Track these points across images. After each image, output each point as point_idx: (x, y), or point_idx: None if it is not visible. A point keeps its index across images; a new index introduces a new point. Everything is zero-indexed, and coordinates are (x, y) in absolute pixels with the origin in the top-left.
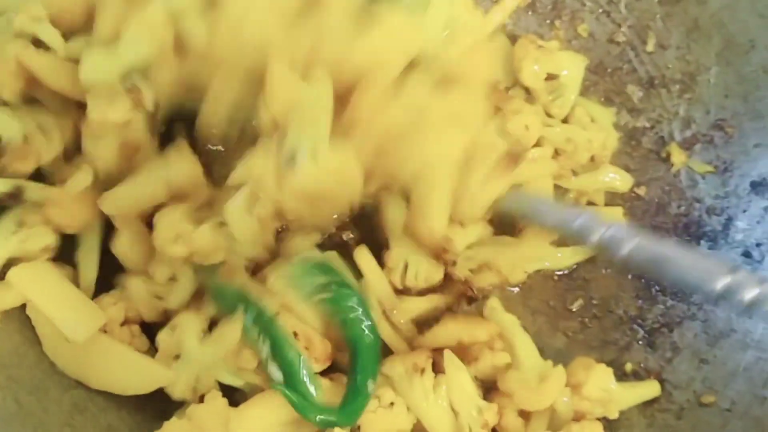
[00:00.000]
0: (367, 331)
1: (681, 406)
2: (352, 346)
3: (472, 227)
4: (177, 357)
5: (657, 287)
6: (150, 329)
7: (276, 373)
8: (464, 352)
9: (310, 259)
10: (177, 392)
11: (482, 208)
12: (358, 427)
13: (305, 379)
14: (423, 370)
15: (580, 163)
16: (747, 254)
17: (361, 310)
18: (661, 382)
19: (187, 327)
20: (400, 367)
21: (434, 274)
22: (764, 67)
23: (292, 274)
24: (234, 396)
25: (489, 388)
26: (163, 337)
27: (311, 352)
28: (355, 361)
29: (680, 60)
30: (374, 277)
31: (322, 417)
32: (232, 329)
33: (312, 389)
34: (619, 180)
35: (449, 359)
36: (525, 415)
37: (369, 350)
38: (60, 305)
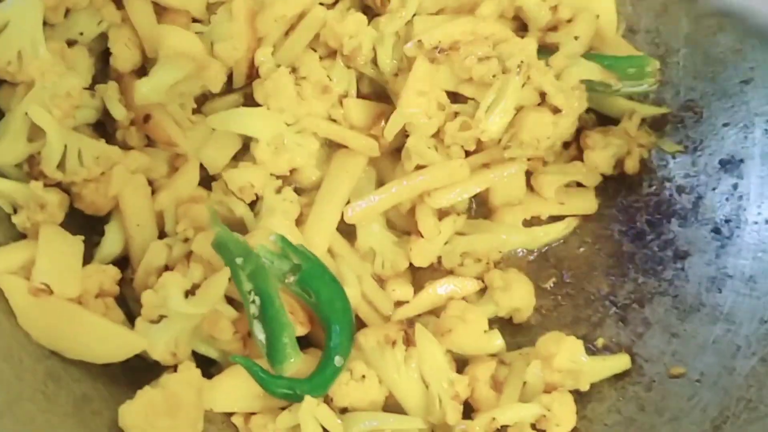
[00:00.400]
0: (339, 308)
1: (651, 378)
2: (326, 322)
3: (448, 219)
4: (158, 321)
5: (629, 264)
6: (125, 303)
7: (260, 334)
8: (437, 325)
9: (284, 241)
10: (156, 353)
11: None
12: (331, 400)
13: (286, 341)
14: (394, 343)
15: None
16: (716, 230)
17: (334, 287)
18: (632, 356)
19: (173, 284)
20: (372, 340)
21: (400, 262)
22: (732, 48)
23: (267, 255)
24: (209, 370)
25: (462, 363)
26: (147, 296)
27: (295, 317)
28: (328, 336)
29: (650, 44)
30: (348, 253)
31: (284, 390)
32: (217, 284)
33: (290, 354)
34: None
35: (420, 332)
36: (497, 387)
37: (342, 326)
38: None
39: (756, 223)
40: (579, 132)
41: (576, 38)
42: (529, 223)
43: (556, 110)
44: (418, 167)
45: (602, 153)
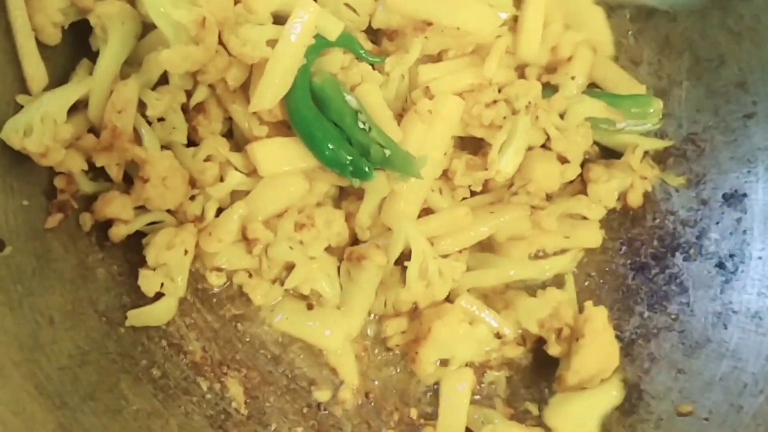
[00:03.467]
0: None
1: (659, 416)
2: None
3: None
4: None
5: (634, 298)
6: None
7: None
8: None
9: None
10: None
11: None
12: None
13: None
14: None
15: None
16: (721, 265)
17: None
18: (640, 392)
19: None
20: None
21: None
22: (734, 81)
23: None
24: None
25: None
26: None
27: None
28: None
29: (652, 76)
30: None
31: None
32: None
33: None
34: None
35: None
36: None
37: None
38: None
39: (760, 258)
40: (582, 165)
41: (573, 78)
42: (534, 256)
43: (563, 158)
44: (424, 212)
45: (606, 186)
